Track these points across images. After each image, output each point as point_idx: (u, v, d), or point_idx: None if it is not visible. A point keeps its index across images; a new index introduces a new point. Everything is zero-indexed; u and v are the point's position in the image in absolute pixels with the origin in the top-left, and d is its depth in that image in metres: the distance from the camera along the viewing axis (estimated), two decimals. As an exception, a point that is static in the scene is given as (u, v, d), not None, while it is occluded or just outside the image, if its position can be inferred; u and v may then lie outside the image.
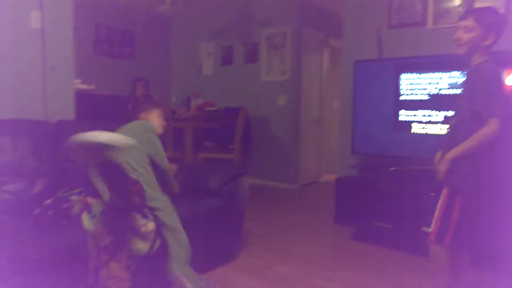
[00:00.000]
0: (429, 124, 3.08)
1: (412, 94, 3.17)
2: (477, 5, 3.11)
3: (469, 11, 2.16)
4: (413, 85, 3.16)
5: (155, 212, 1.90)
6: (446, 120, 2.95)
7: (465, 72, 1.90)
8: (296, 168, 5.45)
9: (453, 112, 1.93)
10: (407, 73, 3.17)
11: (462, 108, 1.82)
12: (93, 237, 1.71)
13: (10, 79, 2.47)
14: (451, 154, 1.74)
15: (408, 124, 3.19)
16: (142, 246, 1.84)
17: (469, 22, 1.75)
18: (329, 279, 2.45)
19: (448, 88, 2.98)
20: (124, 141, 1.45)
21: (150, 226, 1.88)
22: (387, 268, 2.65)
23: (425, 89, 3.09)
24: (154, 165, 2.07)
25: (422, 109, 3.11)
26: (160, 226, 1.89)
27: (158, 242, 1.95)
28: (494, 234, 2.07)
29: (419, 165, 3.16)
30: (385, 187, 3.21)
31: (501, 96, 1.72)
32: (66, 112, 2.70)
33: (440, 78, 3.01)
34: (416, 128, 3.15)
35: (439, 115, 3.02)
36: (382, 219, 3.16)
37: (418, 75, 3.12)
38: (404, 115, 3.21)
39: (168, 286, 2.10)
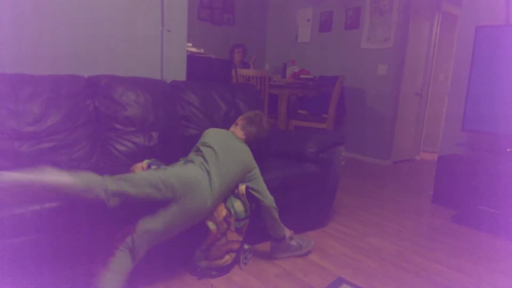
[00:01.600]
0: None
1: (545, 66, 2.74)
2: None
3: None
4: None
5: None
6: None
7: None
8: (390, 144, 5.19)
9: None
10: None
11: None
12: (212, 213, 1.90)
13: (132, 40, 2.73)
14: None
15: (535, 101, 2.79)
16: (239, 209, 1.98)
17: None
18: (425, 257, 2.36)
19: None
20: None
21: (242, 188, 2.01)
22: (487, 254, 2.45)
23: None
24: None
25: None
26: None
27: (253, 205, 2.07)
28: None
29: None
30: (497, 169, 2.89)
31: None
32: (179, 73, 2.92)
33: None
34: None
35: None
36: (489, 203, 2.88)
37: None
38: (531, 90, 2.81)
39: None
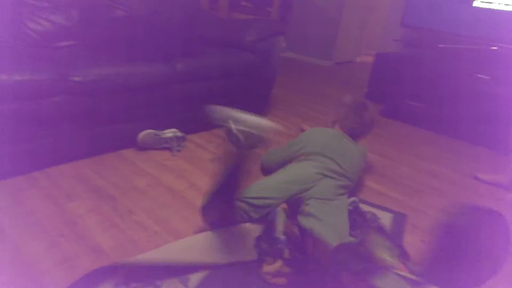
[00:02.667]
0: (496, -2, 2.71)
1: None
2: None
3: None
4: None
5: None
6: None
7: None
8: (333, 45, 5.18)
9: None
10: None
11: None
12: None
13: None
14: None
15: (472, -4, 2.82)
16: None
17: None
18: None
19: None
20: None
21: None
22: (407, 141, 2.68)
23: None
24: None
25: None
26: None
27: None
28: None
29: (474, 44, 2.91)
30: (427, 65, 3.02)
31: None
32: None
33: None
34: (478, 1, 2.79)
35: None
36: (416, 98, 3.06)
37: None
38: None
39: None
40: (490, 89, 2.68)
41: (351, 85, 4.23)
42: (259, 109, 2.77)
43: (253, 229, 1.41)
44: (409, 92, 3.11)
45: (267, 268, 1.21)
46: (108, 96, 1.83)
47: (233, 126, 2.27)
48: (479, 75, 2.78)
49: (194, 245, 1.31)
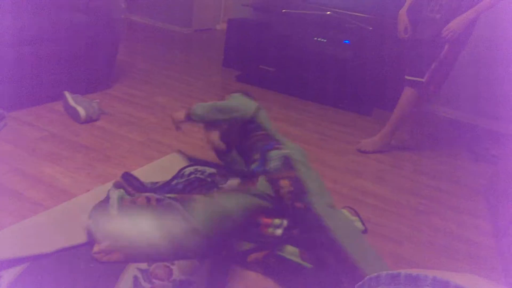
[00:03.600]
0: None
1: None
2: None
3: None
4: None
5: None
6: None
7: None
8: (190, 12, 5.02)
9: None
10: None
11: None
12: None
13: None
14: (464, 19, 1.90)
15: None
16: None
17: None
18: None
19: None
20: None
21: None
22: (263, 104, 2.79)
23: None
24: None
25: None
26: None
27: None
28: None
29: (312, 10, 3.13)
30: (273, 30, 3.16)
31: None
32: None
33: None
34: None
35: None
36: (267, 63, 3.18)
37: None
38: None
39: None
40: (325, 50, 2.95)
41: (209, 52, 4.19)
42: (103, 77, 2.50)
43: (80, 207, 1.27)
44: (260, 57, 3.21)
45: (97, 247, 1.09)
46: None
47: (70, 98, 2.00)
48: (317, 38, 3.02)
49: (13, 236, 1.11)
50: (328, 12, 3.02)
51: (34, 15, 1.93)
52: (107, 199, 1.29)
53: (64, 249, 1.12)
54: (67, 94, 2.03)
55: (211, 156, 1.69)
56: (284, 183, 1.23)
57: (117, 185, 1.38)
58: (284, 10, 3.15)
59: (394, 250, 1.43)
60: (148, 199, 1.26)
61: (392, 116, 2.25)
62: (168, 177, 1.53)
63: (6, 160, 1.57)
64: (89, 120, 2.00)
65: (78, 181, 1.50)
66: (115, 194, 1.28)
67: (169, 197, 1.29)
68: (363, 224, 1.53)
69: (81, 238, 1.16)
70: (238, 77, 3.31)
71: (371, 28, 2.93)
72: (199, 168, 1.60)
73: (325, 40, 3.00)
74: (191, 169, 1.59)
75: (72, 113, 1.99)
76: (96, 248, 1.10)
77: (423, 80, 2.07)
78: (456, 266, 1.41)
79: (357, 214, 1.57)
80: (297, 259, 1.16)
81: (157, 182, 1.49)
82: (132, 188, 1.38)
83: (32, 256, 1.07)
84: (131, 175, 1.46)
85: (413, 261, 1.38)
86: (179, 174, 1.55)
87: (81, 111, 1.95)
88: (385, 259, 1.36)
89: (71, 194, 1.41)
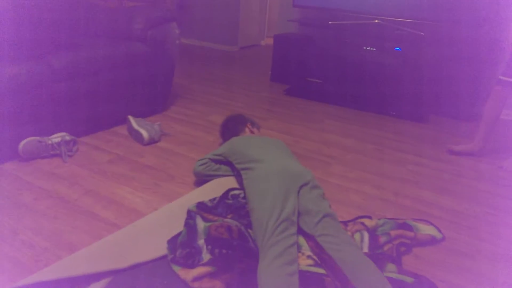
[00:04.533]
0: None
1: None
2: None
3: None
4: None
5: None
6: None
7: None
8: (236, 30, 5.17)
9: None
10: None
11: None
12: None
13: None
14: None
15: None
16: None
17: None
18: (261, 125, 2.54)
19: None
20: None
21: None
22: (312, 117, 2.79)
23: None
24: None
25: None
26: None
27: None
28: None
29: (360, 19, 3.10)
30: (320, 42, 3.16)
31: None
32: None
33: None
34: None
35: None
36: (314, 75, 3.19)
37: None
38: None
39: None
40: (375, 59, 2.90)
41: (256, 68, 4.28)
42: (161, 100, 2.64)
43: (151, 228, 1.35)
44: (307, 70, 3.23)
45: (192, 273, 1.14)
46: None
47: (133, 121, 2.13)
48: (366, 48, 2.98)
49: (93, 253, 1.20)
50: (376, 21, 2.98)
51: (91, 48, 2.09)
52: (191, 230, 1.34)
53: (139, 264, 1.19)
54: (131, 118, 2.17)
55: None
56: None
57: (192, 214, 1.42)
58: (330, 22, 3.15)
59: (469, 265, 1.35)
60: (229, 229, 1.31)
61: (483, 119, 2.18)
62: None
63: (81, 183, 1.70)
64: (152, 141, 2.12)
65: (146, 200, 1.59)
66: (202, 225, 1.35)
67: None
68: (440, 231, 1.48)
69: (154, 254, 1.23)
70: (287, 90, 3.34)
71: (423, 34, 2.85)
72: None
73: (374, 49, 2.95)
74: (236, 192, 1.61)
75: (136, 136, 2.12)
76: (190, 274, 1.14)
77: None
78: (540, 282, 1.30)
79: (430, 223, 1.52)
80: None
81: (214, 199, 1.53)
82: (203, 211, 1.43)
83: (112, 271, 1.15)
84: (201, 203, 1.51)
85: (491, 278, 1.30)
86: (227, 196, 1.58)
87: (144, 134, 2.07)
88: (459, 275, 1.30)
89: (141, 213, 1.50)
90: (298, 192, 1.39)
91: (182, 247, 1.24)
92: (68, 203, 1.55)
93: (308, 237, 1.33)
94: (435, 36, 2.85)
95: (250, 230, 1.34)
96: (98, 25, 2.42)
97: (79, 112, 2.03)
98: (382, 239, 1.38)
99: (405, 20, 2.87)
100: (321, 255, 1.23)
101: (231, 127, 1.96)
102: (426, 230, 1.47)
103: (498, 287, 1.26)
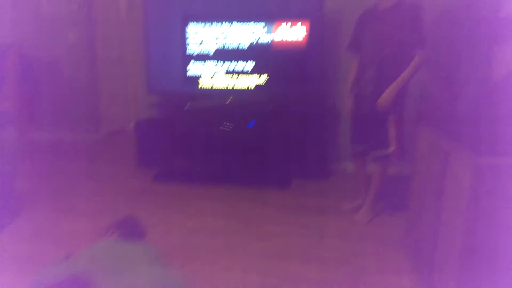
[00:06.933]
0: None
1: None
2: None
3: None
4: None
5: None
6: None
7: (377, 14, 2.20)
8: (97, 115, 4.93)
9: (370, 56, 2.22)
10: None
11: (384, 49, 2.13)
12: None
13: None
14: (394, 88, 2.12)
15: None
16: None
17: None
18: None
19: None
20: None
21: None
22: (190, 201, 2.75)
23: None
24: None
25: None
26: None
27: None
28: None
29: (212, 102, 3.29)
30: (181, 125, 3.22)
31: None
32: None
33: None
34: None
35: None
36: (180, 157, 3.21)
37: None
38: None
39: None
40: (235, 136, 3.07)
41: (122, 155, 4.03)
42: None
43: None
44: (174, 153, 3.23)
45: None
46: None
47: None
48: (224, 126, 3.16)
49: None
50: (231, 97, 3.21)
51: None
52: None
53: None
54: None
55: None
56: None
57: None
58: (186, 108, 3.28)
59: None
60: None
61: (372, 188, 2.45)
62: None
63: None
64: None
65: None
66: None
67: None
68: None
69: None
70: (156, 176, 3.23)
71: (272, 107, 3.16)
72: None
73: (231, 126, 3.13)
74: None
75: None
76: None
77: (389, 151, 2.25)
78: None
79: None
80: None
81: None
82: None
83: None
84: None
85: None
86: None
87: None
88: None
89: None
90: None
91: None
92: None
93: None
94: (284, 108, 3.18)
95: None
96: None
97: None
98: None
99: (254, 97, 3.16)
100: None
101: None
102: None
103: None
